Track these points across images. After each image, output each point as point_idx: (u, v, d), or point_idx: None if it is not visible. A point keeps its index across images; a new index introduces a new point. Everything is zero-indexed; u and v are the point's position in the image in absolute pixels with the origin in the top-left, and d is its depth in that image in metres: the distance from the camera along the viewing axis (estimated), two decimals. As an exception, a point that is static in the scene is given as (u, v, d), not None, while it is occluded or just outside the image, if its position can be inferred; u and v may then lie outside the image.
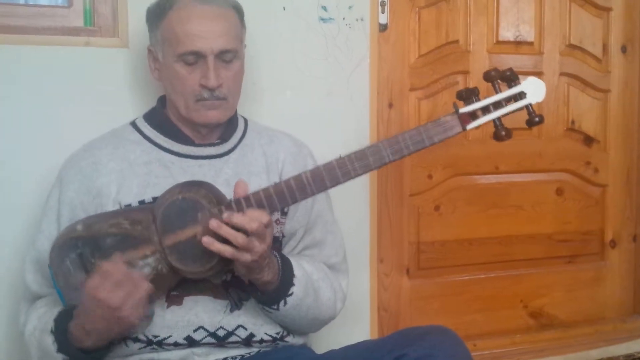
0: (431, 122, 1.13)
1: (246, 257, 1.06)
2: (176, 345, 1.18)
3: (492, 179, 2.02)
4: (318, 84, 1.72)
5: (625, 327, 2.15)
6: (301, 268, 1.23)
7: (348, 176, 1.11)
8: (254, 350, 1.24)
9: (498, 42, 1.99)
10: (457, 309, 1.99)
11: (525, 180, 2.06)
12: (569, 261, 2.13)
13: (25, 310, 1.26)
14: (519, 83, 1.14)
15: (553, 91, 2.06)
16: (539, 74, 2.02)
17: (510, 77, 1.14)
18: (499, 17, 1.98)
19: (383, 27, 1.82)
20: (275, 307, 1.19)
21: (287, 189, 1.10)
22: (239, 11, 1.29)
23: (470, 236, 2.01)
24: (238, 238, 1.04)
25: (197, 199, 1.08)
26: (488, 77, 1.14)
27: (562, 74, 2.06)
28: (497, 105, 1.13)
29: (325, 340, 1.51)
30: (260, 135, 1.36)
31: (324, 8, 1.71)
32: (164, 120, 1.31)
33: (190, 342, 1.18)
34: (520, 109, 1.14)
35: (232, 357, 1.22)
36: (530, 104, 1.14)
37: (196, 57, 1.21)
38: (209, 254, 1.07)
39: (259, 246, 1.06)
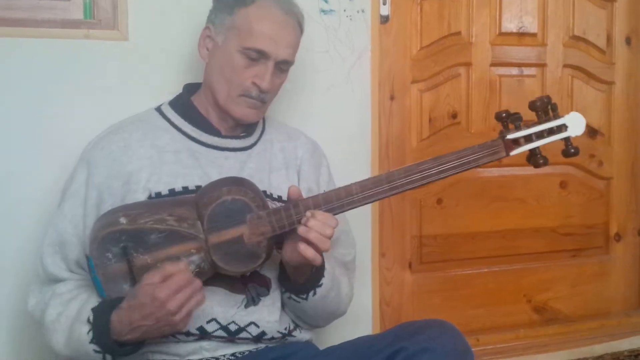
0: (478, 145, 1.19)
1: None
2: (188, 335, 1.17)
3: (496, 172, 2.01)
4: (319, 77, 1.71)
5: (630, 322, 2.14)
6: (327, 261, 1.24)
7: (395, 191, 1.16)
8: (261, 346, 1.24)
9: (501, 34, 1.98)
10: (460, 304, 1.98)
11: (529, 173, 2.03)
12: (573, 255, 2.12)
13: (37, 292, 1.23)
14: (559, 114, 1.19)
15: (556, 83, 2.04)
16: (542, 66, 2.01)
17: (552, 108, 1.20)
18: (502, 8, 1.96)
19: (384, 19, 1.80)
20: (304, 296, 1.22)
21: (337, 199, 1.14)
22: (301, 27, 1.34)
23: (473, 230, 1.99)
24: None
25: (246, 201, 1.11)
26: (533, 107, 1.19)
27: (565, 65, 2.04)
28: (539, 134, 1.18)
29: (328, 335, 1.51)
30: (278, 132, 1.40)
31: (325, 0, 1.70)
32: (190, 109, 1.32)
33: (203, 334, 1.18)
34: (560, 140, 1.20)
35: (239, 352, 1.21)
36: (570, 137, 1.20)
37: (259, 56, 1.24)
38: (254, 255, 1.11)
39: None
